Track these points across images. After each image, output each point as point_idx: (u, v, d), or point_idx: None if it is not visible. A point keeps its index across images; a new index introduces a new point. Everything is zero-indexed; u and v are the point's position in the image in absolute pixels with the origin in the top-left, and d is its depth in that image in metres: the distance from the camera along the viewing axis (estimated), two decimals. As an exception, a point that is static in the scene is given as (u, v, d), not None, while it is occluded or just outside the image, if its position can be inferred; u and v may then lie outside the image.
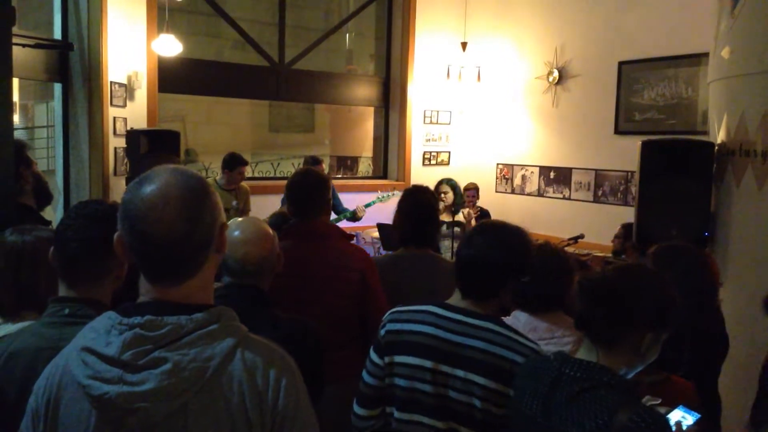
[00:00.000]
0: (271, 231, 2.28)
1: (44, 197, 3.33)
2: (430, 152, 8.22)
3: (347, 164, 9.33)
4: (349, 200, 6.44)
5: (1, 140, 2.59)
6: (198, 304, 1.24)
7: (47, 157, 7.18)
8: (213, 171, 8.20)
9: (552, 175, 7.47)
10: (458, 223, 5.61)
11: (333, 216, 6.05)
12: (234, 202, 5.93)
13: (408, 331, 2.02)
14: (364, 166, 8.76)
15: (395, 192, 6.24)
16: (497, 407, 1.88)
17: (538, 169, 7.64)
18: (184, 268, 1.25)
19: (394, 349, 2.03)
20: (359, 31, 8.95)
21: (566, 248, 4.11)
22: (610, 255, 5.44)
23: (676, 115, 6.22)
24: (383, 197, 6.35)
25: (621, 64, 6.63)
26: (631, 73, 6.59)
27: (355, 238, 6.39)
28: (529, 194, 7.76)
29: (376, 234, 6.23)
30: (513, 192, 7.94)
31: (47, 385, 1.27)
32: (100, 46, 5.75)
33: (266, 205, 5.86)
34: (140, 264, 1.26)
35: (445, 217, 5.51)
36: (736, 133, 3.47)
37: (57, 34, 5.83)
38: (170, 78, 6.47)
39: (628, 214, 5.39)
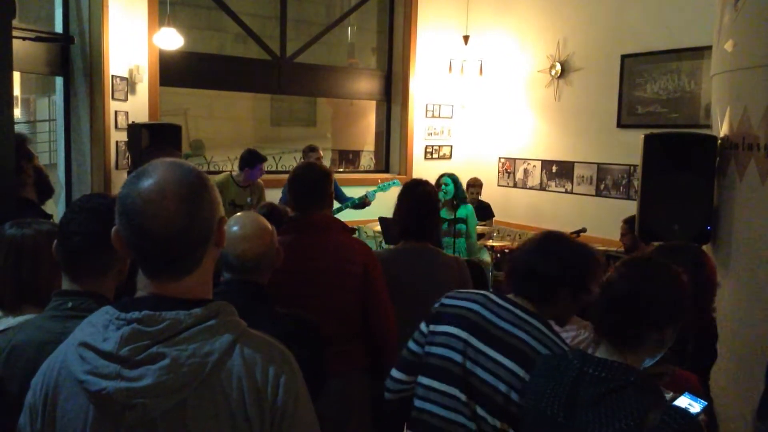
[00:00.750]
0: (270, 226, 2.27)
1: (45, 191, 3.33)
2: (432, 146, 8.22)
3: (349, 158, 9.33)
4: (350, 194, 6.43)
5: (2, 134, 2.58)
6: (197, 299, 1.23)
7: (49, 150, 7.18)
8: (215, 165, 8.20)
9: (554, 168, 7.45)
10: (460, 220, 5.61)
11: (337, 205, 6.06)
12: (249, 199, 5.90)
13: (457, 306, 2.09)
14: (366, 160, 8.76)
15: (395, 181, 6.26)
16: (520, 396, 1.88)
17: (540, 162, 7.62)
18: (182, 263, 1.23)
19: (439, 319, 2.11)
20: (361, 24, 8.93)
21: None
22: (619, 250, 5.39)
23: (678, 108, 6.20)
24: (384, 186, 6.35)
25: (623, 57, 6.61)
26: (633, 67, 6.56)
27: (356, 232, 6.39)
28: (531, 188, 7.74)
29: (378, 228, 6.23)
30: (515, 186, 7.93)
31: (44, 381, 1.26)
32: (102, 39, 5.75)
33: (268, 199, 5.85)
34: (138, 259, 1.24)
35: (446, 213, 5.51)
36: (739, 126, 3.46)
37: (58, 28, 5.82)
38: (172, 72, 6.46)
39: (630, 208, 5.37)
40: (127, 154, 5.81)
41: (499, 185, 8.08)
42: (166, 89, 6.63)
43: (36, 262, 1.88)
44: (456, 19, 8.03)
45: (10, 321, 1.81)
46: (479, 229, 6.25)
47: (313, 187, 2.92)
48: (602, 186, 6.88)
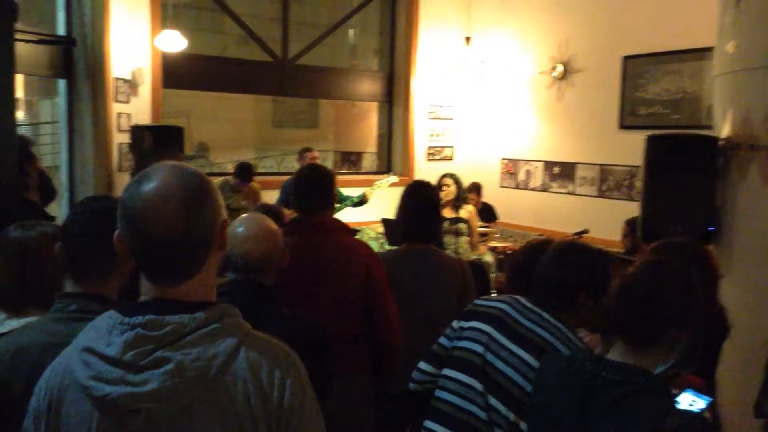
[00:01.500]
0: (274, 226, 2.27)
1: (48, 193, 3.34)
2: (434, 147, 8.22)
3: (351, 159, 9.33)
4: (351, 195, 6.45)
5: (5, 136, 2.58)
6: (200, 302, 1.23)
7: (51, 153, 7.19)
8: (218, 166, 8.21)
9: (556, 170, 7.45)
10: (460, 219, 5.61)
11: (337, 205, 6.11)
12: (243, 202, 5.95)
13: (487, 305, 2.19)
14: (369, 162, 8.76)
15: (390, 176, 6.32)
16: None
17: (542, 164, 7.62)
18: (184, 267, 1.23)
19: (469, 316, 2.20)
20: (363, 26, 8.94)
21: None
22: (620, 251, 5.40)
23: (680, 109, 6.19)
24: (380, 184, 6.40)
25: (625, 58, 6.60)
26: (635, 68, 6.56)
27: (359, 233, 6.40)
28: (533, 189, 7.74)
29: (380, 229, 6.24)
30: (517, 187, 7.92)
31: (48, 386, 1.26)
32: (104, 41, 5.76)
33: (270, 201, 5.86)
34: (140, 263, 1.24)
35: (447, 213, 5.50)
36: (741, 127, 3.45)
37: (61, 30, 5.83)
38: (174, 73, 6.47)
39: (632, 209, 5.37)
40: (130, 156, 5.82)
41: (501, 187, 8.08)
42: (168, 91, 6.64)
43: (40, 265, 1.88)
44: (458, 20, 8.03)
45: (14, 323, 1.81)
46: (481, 230, 6.25)
47: (317, 188, 2.92)
48: (604, 187, 6.88)
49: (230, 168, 7.69)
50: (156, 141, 5.45)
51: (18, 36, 2.93)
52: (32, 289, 1.88)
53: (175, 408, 1.15)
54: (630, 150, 6.17)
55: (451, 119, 8.28)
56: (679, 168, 3.80)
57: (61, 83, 5.90)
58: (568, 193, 7.28)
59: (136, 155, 5.55)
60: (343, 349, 2.66)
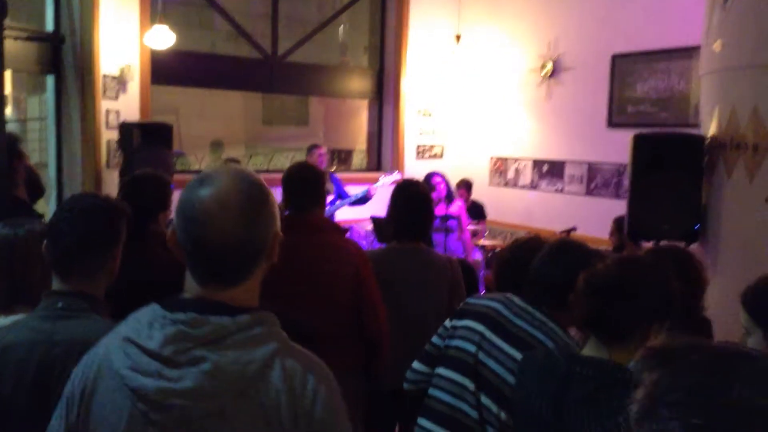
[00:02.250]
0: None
1: (36, 190, 3.32)
2: (424, 146, 8.22)
3: (341, 157, 9.32)
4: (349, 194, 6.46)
5: (-7, 133, 2.58)
6: (242, 306, 1.22)
7: (39, 149, 7.15)
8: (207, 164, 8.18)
9: (545, 168, 7.48)
10: (451, 217, 5.63)
11: (339, 201, 6.13)
12: None
13: (480, 304, 2.20)
14: (359, 159, 8.76)
15: (395, 173, 6.36)
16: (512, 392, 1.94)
17: (531, 162, 7.65)
18: (233, 275, 1.23)
19: (462, 315, 2.22)
20: (353, 23, 8.92)
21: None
22: (607, 249, 5.43)
23: (668, 108, 6.23)
24: (384, 181, 6.43)
25: (614, 57, 6.64)
26: (624, 66, 6.59)
27: (349, 231, 6.41)
28: (522, 187, 7.77)
29: (370, 227, 6.25)
30: (506, 185, 7.95)
31: (84, 373, 1.25)
32: (93, 38, 5.73)
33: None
34: (190, 265, 1.24)
35: (437, 210, 5.53)
36: (727, 126, 3.48)
37: (49, 27, 5.81)
38: (163, 70, 6.44)
39: (620, 207, 5.40)
40: (119, 153, 5.80)
41: (490, 185, 8.10)
42: (157, 88, 6.61)
43: (28, 263, 1.88)
44: (448, 18, 8.04)
45: (2, 321, 1.81)
46: (471, 228, 6.28)
47: (307, 186, 2.92)
48: (593, 185, 6.91)
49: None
50: (145, 138, 5.43)
51: (6, 32, 2.92)
52: (20, 287, 1.88)
53: (207, 408, 1.14)
54: (618, 148, 6.21)
55: (441, 117, 8.29)
56: (666, 166, 3.83)
57: (50, 80, 5.88)
58: (557, 191, 7.31)
59: (124, 152, 5.53)
60: (332, 347, 2.66)
